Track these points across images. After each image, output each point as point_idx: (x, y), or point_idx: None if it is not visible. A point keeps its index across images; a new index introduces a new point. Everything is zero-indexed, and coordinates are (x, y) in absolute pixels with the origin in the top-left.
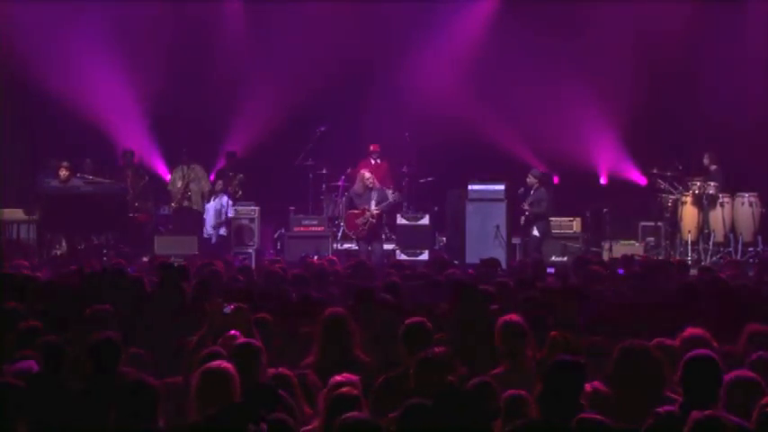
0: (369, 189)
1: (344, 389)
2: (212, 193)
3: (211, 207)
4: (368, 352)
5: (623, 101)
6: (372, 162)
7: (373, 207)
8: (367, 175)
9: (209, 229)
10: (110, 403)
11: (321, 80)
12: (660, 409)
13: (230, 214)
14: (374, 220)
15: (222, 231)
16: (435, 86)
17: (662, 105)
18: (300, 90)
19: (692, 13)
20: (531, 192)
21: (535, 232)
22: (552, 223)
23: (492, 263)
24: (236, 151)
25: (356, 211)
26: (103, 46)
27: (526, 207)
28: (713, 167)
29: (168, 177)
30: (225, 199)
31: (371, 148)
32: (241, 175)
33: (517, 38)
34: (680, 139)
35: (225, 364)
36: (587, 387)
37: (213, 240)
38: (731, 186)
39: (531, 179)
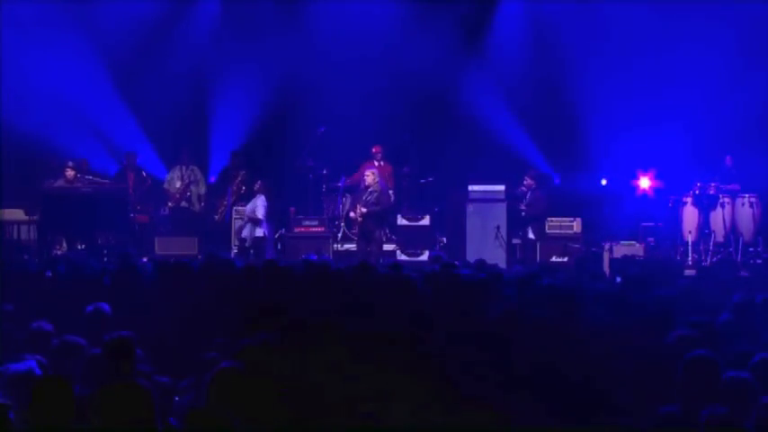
0: (367, 188)
1: None
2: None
3: (247, 209)
4: None
5: (627, 100)
6: (376, 164)
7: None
8: (366, 173)
9: (244, 231)
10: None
11: (321, 80)
12: (661, 410)
13: (260, 216)
14: (360, 219)
15: (259, 232)
16: (436, 85)
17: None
18: (300, 90)
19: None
20: (529, 193)
21: (530, 235)
22: (552, 223)
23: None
24: (240, 151)
25: (351, 212)
26: (90, 47)
27: (523, 208)
28: (734, 171)
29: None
30: (261, 199)
31: (374, 149)
32: (243, 172)
33: (520, 37)
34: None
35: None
36: None
37: (247, 243)
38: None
39: (528, 180)
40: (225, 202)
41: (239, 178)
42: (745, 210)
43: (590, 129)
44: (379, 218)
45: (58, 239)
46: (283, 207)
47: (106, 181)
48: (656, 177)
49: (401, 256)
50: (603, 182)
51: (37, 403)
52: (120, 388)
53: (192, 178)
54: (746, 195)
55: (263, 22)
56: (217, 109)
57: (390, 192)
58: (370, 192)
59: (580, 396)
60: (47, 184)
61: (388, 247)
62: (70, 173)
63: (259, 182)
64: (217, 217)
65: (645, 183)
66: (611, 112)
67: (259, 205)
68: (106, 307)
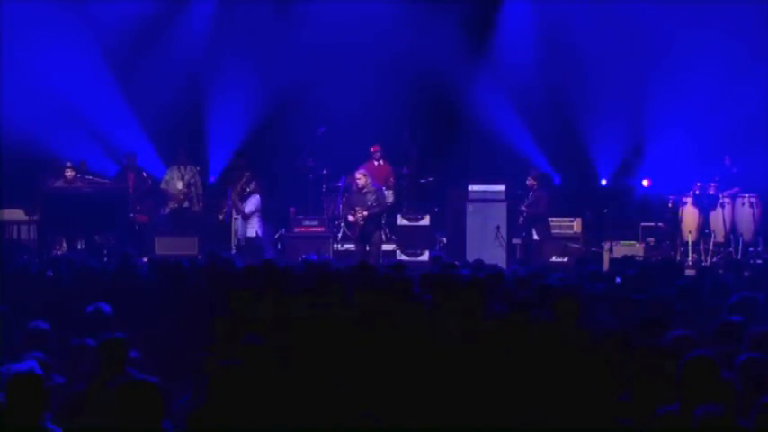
0: (361, 190)
1: None
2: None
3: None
4: None
5: (628, 100)
6: (375, 163)
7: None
8: (357, 176)
9: (240, 229)
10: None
11: (321, 80)
12: (661, 410)
13: (247, 211)
14: (362, 223)
15: (251, 232)
16: (436, 85)
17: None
18: (300, 90)
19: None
20: (531, 193)
21: (534, 236)
22: (552, 223)
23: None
24: (243, 153)
25: (350, 216)
26: (90, 47)
27: (524, 208)
28: (734, 170)
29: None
30: (255, 198)
31: (372, 149)
32: (248, 173)
33: (522, 37)
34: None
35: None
36: None
37: (243, 242)
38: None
39: (530, 180)
40: (227, 202)
41: (243, 179)
42: (745, 210)
43: (590, 129)
44: (379, 219)
45: (58, 239)
46: (283, 207)
47: (106, 181)
48: (656, 178)
49: (401, 257)
50: (603, 182)
51: (9, 399)
52: (133, 385)
53: (193, 179)
54: (746, 195)
55: (262, 22)
56: (216, 109)
57: (389, 191)
58: (365, 193)
59: (579, 396)
60: (47, 185)
61: (388, 247)
62: (69, 173)
63: (253, 182)
64: (221, 217)
65: (645, 182)
66: (612, 112)
67: (249, 202)
68: (106, 307)
